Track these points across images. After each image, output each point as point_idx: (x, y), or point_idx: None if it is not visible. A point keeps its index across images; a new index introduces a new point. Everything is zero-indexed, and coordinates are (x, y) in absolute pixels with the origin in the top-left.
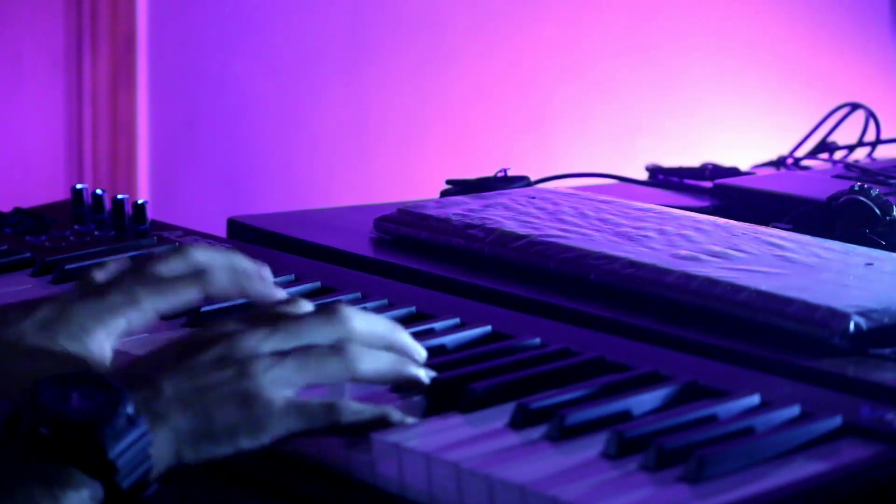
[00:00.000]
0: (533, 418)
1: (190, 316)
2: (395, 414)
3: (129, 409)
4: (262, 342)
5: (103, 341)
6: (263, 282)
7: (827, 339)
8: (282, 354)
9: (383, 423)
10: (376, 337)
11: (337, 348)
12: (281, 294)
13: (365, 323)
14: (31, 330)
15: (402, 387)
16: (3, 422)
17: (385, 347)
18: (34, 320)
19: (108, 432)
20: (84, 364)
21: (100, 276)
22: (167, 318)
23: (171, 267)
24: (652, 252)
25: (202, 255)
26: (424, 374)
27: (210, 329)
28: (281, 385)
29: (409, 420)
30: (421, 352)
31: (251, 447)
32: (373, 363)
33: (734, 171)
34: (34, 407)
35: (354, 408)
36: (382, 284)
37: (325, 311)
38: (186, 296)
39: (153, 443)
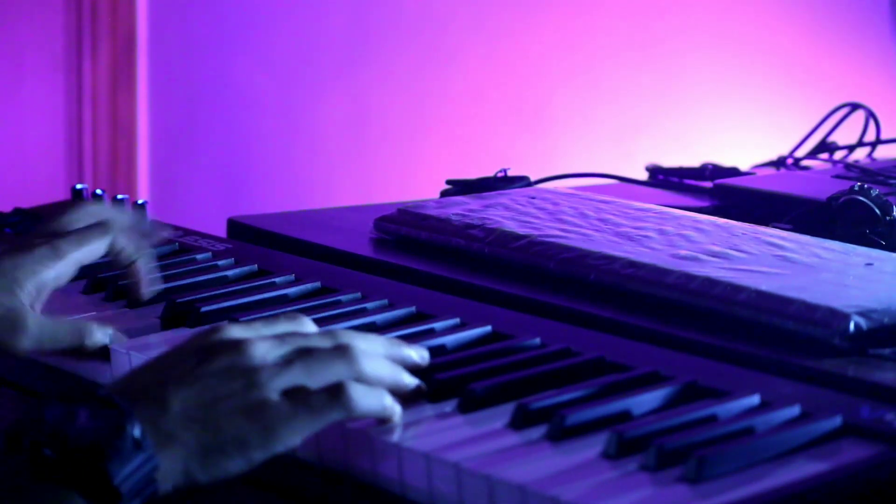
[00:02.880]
0: (533, 418)
1: (191, 316)
2: (388, 395)
3: (136, 433)
4: (269, 352)
5: (33, 293)
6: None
7: (827, 339)
8: (287, 360)
9: (384, 403)
10: (377, 354)
11: (341, 350)
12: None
13: (365, 342)
14: None
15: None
16: (4, 436)
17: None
18: None
19: (113, 458)
20: (20, 317)
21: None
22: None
23: (75, 218)
24: (652, 252)
25: (100, 209)
26: (422, 384)
27: (214, 336)
28: (287, 390)
29: (396, 405)
30: (424, 354)
31: (264, 458)
32: (376, 366)
33: (734, 171)
34: (38, 426)
35: (360, 389)
36: (382, 284)
37: (341, 348)
38: (99, 243)
39: (159, 466)
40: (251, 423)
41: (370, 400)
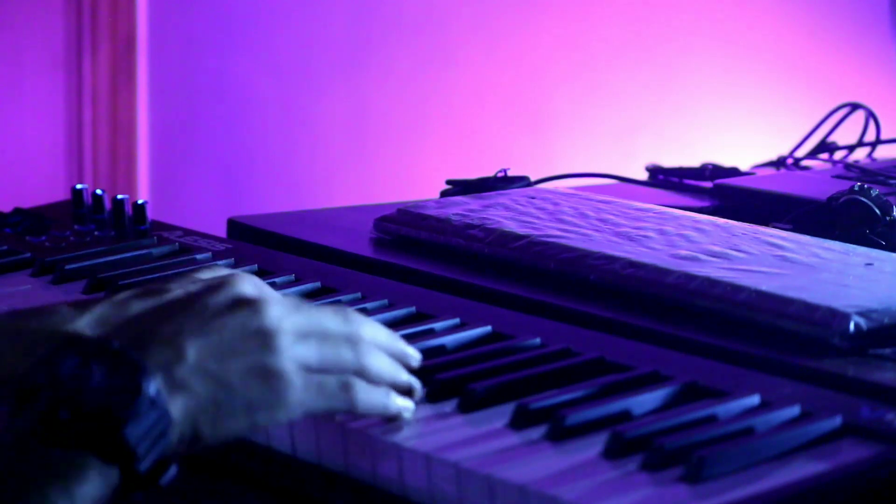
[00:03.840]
0: (533, 418)
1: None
2: (395, 395)
3: (152, 390)
4: (284, 317)
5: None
6: None
7: (827, 339)
8: (303, 334)
9: (389, 403)
10: (380, 345)
11: (352, 339)
12: None
13: (371, 329)
14: (86, 326)
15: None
16: (17, 391)
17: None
18: (92, 316)
19: (129, 419)
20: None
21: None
22: None
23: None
24: (652, 252)
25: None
26: (418, 385)
27: (225, 288)
28: (301, 364)
29: (408, 411)
30: (416, 355)
31: (267, 424)
32: (379, 363)
33: (734, 172)
34: (53, 384)
35: (367, 386)
36: (382, 284)
37: (354, 339)
38: None
39: (172, 417)
40: (263, 387)
41: (374, 398)
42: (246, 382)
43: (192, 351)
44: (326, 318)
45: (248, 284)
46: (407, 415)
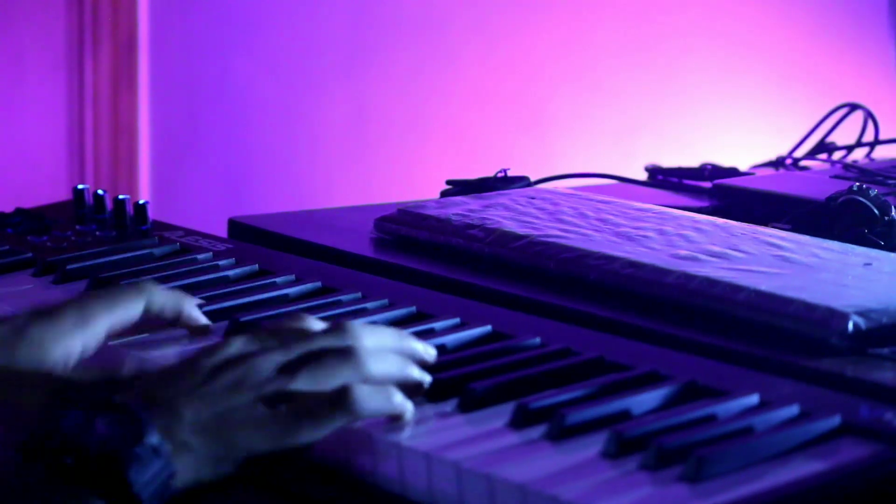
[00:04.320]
0: (533, 418)
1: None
2: (398, 394)
3: (154, 440)
4: (274, 361)
5: (59, 362)
6: (197, 311)
7: (826, 339)
8: (293, 369)
9: (392, 402)
10: (385, 349)
11: (346, 353)
12: (205, 321)
13: (374, 337)
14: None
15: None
16: (22, 445)
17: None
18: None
19: (133, 465)
20: (48, 376)
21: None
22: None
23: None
24: (651, 252)
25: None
26: (429, 379)
27: (221, 350)
28: (297, 400)
29: (407, 403)
30: (430, 351)
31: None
32: (382, 365)
33: (733, 172)
34: (56, 434)
35: (365, 391)
36: (382, 284)
37: (335, 327)
38: (133, 310)
39: (176, 472)
40: (261, 434)
41: (376, 401)
42: (244, 433)
43: (189, 412)
44: (320, 340)
45: (243, 343)
46: (408, 415)
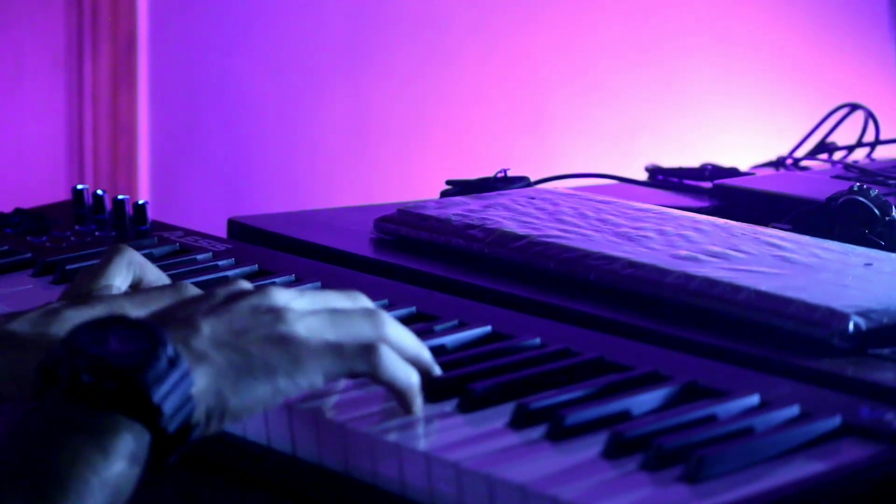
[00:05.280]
0: (533, 418)
1: None
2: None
3: (170, 351)
4: (294, 299)
5: None
6: None
7: (826, 339)
8: (314, 310)
9: (411, 383)
10: (402, 350)
11: (368, 312)
12: None
13: (398, 332)
14: (19, 327)
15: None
16: (40, 369)
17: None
18: (23, 320)
19: (151, 376)
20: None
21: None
22: None
23: (120, 275)
24: (651, 252)
25: (139, 257)
26: (439, 371)
27: (239, 284)
28: (315, 332)
29: (417, 405)
30: (436, 369)
31: (289, 389)
32: (401, 334)
33: (733, 172)
34: (72, 353)
35: (392, 355)
36: (382, 284)
37: (368, 309)
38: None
39: (194, 383)
40: (279, 351)
41: (399, 369)
42: (262, 349)
43: (207, 326)
44: (337, 298)
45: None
46: (417, 409)
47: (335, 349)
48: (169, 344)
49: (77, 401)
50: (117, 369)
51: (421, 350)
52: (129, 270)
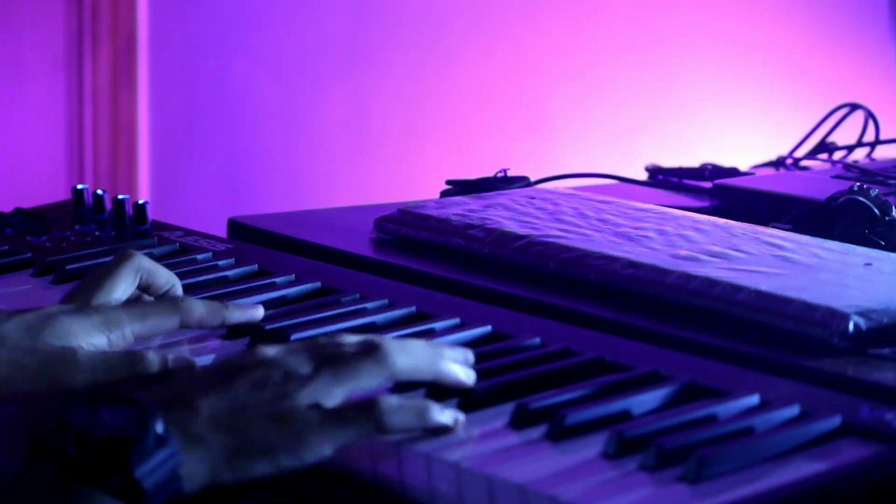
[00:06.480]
0: (533, 418)
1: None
2: (435, 409)
3: (159, 429)
4: (300, 367)
5: (84, 348)
6: (240, 309)
7: (826, 339)
8: (315, 370)
9: (425, 418)
10: (418, 371)
11: (369, 349)
12: (260, 312)
13: (408, 358)
14: (14, 329)
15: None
16: (32, 440)
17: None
18: (20, 321)
19: (135, 453)
20: (69, 354)
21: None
22: None
23: (125, 280)
24: (652, 252)
25: (147, 264)
26: (465, 374)
27: (249, 355)
28: (319, 401)
29: (448, 417)
30: (470, 374)
31: (293, 466)
32: (410, 359)
33: (734, 172)
34: (60, 424)
35: (393, 404)
36: (382, 284)
37: (369, 348)
38: (166, 324)
39: (184, 463)
40: (279, 429)
41: (402, 417)
42: (262, 428)
43: (206, 406)
44: (347, 346)
45: (269, 348)
46: (450, 422)
47: (337, 418)
48: (159, 421)
49: (62, 472)
50: (102, 444)
51: (437, 365)
52: (136, 277)
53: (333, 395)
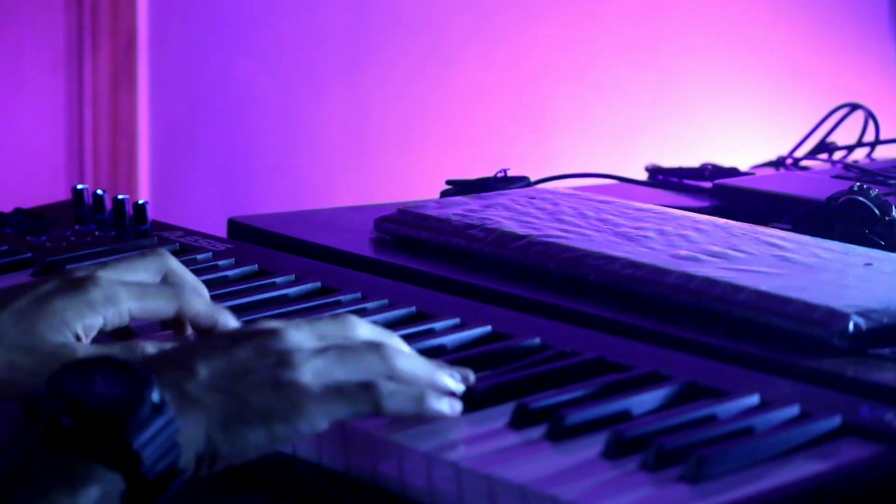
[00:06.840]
0: (533, 418)
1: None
2: (433, 396)
3: (155, 396)
4: (304, 341)
5: (80, 335)
6: (235, 321)
7: (826, 339)
8: (322, 349)
9: (422, 404)
10: (414, 378)
11: (375, 346)
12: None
13: (409, 362)
14: (7, 321)
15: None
16: (25, 408)
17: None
18: (12, 312)
19: (131, 422)
20: (69, 351)
21: (79, 272)
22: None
23: (142, 266)
24: (651, 252)
25: (175, 265)
26: (454, 384)
27: (256, 325)
28: (320, 376)
29: (445, 406)
30: (465, 373)
31: (287, 435)
32: (410, 364)
33: (734, 172)
34: (54, 394)
35: (391, 387)
36: (382, 284)
37: (376, 343)
38: (164, 309)
39: (181, 429)
40: (278, 397)
41: (400, 400)
42: (260, 394)
43: (204, 369)
44: (350, 328)
45: (276, 321)
46: (447, 410)
47: (336, 392)
48: (155, 389)
49: (56, 443)
50: (96, 414)
51: (434, 375)
52: (156, 272)
53: (334, 375)
